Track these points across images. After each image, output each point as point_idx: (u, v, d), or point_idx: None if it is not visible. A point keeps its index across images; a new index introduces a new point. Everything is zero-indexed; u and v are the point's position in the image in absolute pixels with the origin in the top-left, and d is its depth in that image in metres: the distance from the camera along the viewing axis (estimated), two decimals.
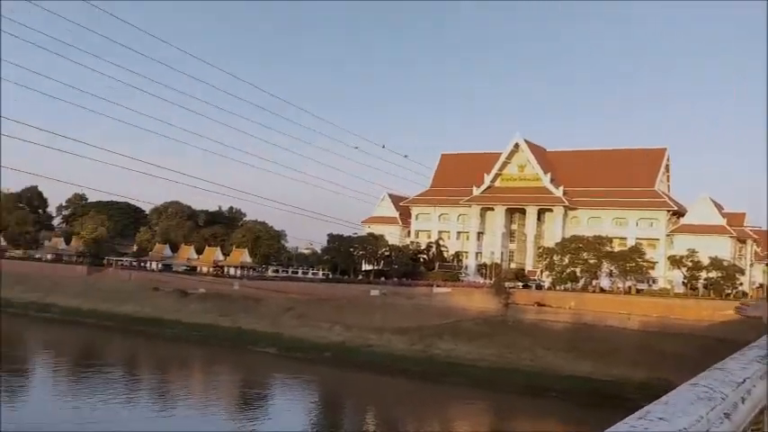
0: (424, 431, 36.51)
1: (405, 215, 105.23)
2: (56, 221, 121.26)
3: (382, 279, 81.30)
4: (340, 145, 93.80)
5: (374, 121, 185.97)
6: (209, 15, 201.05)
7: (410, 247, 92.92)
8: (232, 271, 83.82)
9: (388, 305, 62.16)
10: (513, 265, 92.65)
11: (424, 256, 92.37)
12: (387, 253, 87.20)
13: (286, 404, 39.04)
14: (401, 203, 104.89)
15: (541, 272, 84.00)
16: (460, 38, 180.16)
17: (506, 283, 72.23)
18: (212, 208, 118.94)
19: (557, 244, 79.76)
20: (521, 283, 78.44)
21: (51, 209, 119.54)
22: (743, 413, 1.74)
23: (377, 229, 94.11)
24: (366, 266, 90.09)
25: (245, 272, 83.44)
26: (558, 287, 76.40)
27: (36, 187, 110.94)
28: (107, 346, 58.24)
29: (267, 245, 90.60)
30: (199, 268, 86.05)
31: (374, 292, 68.29)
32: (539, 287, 78.81)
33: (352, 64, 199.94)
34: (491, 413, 40.97)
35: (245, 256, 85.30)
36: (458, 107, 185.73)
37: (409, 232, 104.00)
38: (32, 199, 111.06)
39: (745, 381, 1.83)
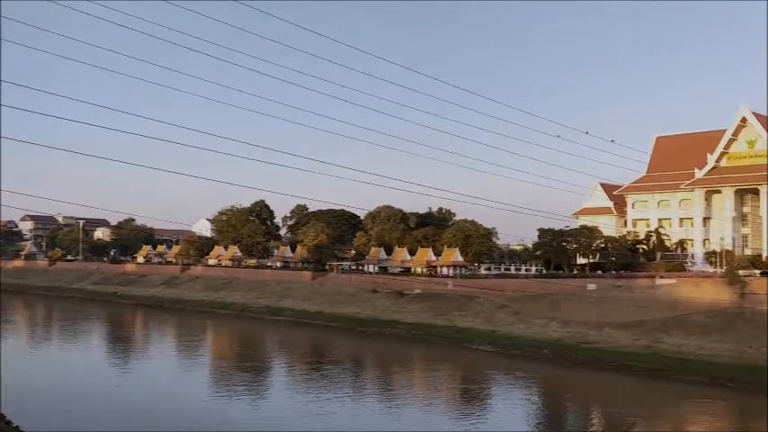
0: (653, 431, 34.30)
1: (619, 204, 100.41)
2: (282, 231, 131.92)
3: (599, 272, 78.01)
4: (542, 136, 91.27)
5: (576, 108, 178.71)
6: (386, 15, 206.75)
7: (627, 237, 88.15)
8: (445, 270, 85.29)
9: (606, 299, 59.39)
10: (747, 252, 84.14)
11: (644, 247, 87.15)
12: (602, 245, 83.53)
13: (505, 401, 38.81)
14: (614, 192, 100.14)
15: None
16: (661, 17, 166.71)
17: (740, 272, 65.52)
18: (422, 210, 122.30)
19: None
20: (758, 271, 70.81)
21: (278, 220, 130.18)
22: None
23: (589, 221, 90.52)
24: (581, 260, 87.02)
25: (458, 271, 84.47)
26: None
27: (263, 201, 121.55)
28: (333, 345, 62.06)
29: (478, 243, 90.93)
30: (413, 269, 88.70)
31: (591, 287, 65.58)
32: None
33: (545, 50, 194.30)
34: (732, 414, 37.43)
35: (456, 256, 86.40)
36: (667, 86, 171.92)
37: (625, 222, 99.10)
38: (261, 212, 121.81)
39: None
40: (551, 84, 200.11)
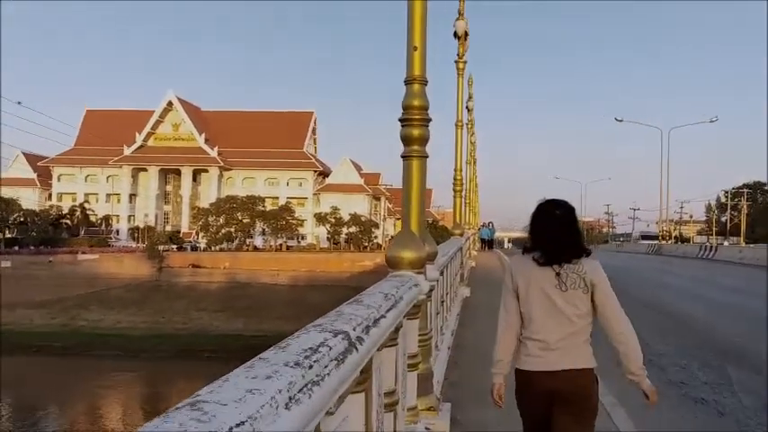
0: (67, 411, 33.64)
1: (45, 176, 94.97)
2: None
3: (16, 248, 72.45)
4: None
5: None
6: None
7: (50, 211, 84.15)
8: None
9: (22, 276, 55.50)
10: (169, 228, 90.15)
11: (68, 221, 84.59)
12: (21, 218, 77.73)
13: None
14: (39, 164, 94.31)
15: (197, 233, 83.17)
16: None
17: (160, 247, 69.77)
18: None
19: (211, 204, 79.56)
20: (175, 246, 76.60)
21: None
22: (323, 393, 1.33)
23: (8, 193, 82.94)
24: None
25: None
26: (213, 248, 76.44)
27: None
28: None
29: None
30: None
31: (5, 264, 60.32)
32: (194, 249, 77.88)
33: None
34: (141, 381, 39.46)
35: None
36: (103, 58, 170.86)
37: (50, 195, 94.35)
38: None
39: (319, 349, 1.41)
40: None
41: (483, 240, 41.29)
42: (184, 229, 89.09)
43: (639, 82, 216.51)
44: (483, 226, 43.83)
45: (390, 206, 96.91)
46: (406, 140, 3.80)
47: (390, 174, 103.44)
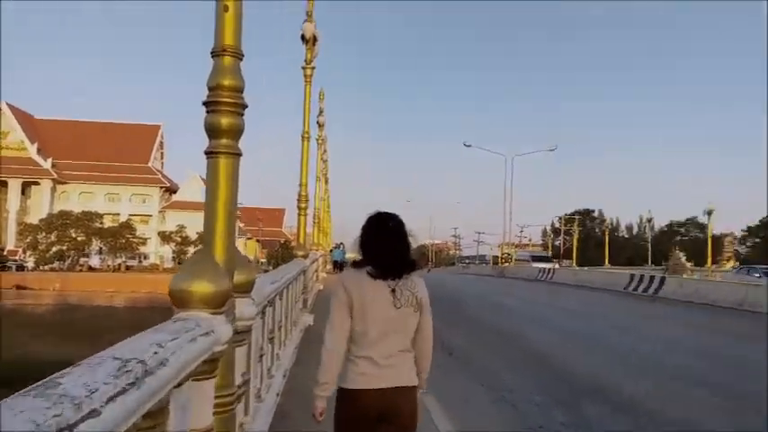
0: None
1: None
2: None
3: None
4: None
5: None
6: None
7: None
8: None
9: None
10: None
11: None
12: None
13: None
14: None
15: (24, 251, 76.06)
16: None
17: None
18: None
19: (41, 220, 73.12)
20: None
21: None
22: None
23: None
24: None
25: None
26: (42, 267, 70.17)
27: None
28: None
29: None
30: None
31: None
32: (20, 268, 71.10)
33: None
34: None
35: None
36: None
37: None
38: None
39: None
40: None
41: (335, 262, 40.25)
42: (10, 246, 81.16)
43: (489, 110, 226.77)
44: (336, 247, 42.92)
45: (242, 225, 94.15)
46: (213, 132, 2.77)
47: (243, 192, 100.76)
